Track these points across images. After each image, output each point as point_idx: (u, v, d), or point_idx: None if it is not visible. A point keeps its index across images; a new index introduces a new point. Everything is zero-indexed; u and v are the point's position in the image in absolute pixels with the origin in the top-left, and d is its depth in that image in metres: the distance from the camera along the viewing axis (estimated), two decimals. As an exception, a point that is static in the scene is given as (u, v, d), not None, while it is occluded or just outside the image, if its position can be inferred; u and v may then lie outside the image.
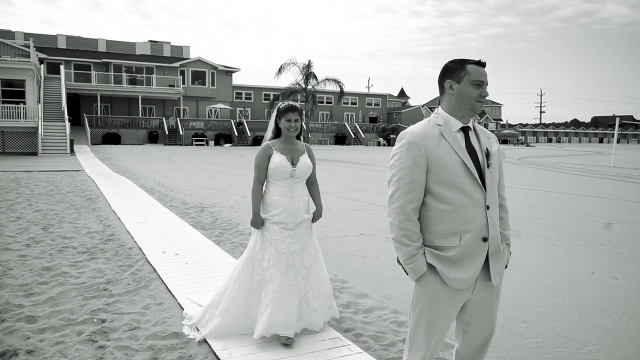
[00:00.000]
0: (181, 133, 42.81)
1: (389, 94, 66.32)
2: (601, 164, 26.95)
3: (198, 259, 5.77)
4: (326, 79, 29.17)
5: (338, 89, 31.34)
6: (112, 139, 39.53)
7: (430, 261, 2.22)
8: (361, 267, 5.78)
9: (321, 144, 48.82)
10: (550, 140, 74.20)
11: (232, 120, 47.41)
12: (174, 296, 4.50)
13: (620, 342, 3.83)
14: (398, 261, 2.30)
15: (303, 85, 29.34)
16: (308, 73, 28.72)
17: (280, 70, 28.77)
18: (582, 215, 9.90)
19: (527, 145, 56.33)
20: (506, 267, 2.37)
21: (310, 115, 31.69)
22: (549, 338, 3.87)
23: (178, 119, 44.27)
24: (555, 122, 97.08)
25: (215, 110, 49.15)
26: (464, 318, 2.36)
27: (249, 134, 46.15)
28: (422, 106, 64.36)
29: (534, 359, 3.53)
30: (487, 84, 2.25)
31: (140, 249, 6.19)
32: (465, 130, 2.29)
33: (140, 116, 43.96)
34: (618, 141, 33.33)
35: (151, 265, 5.49)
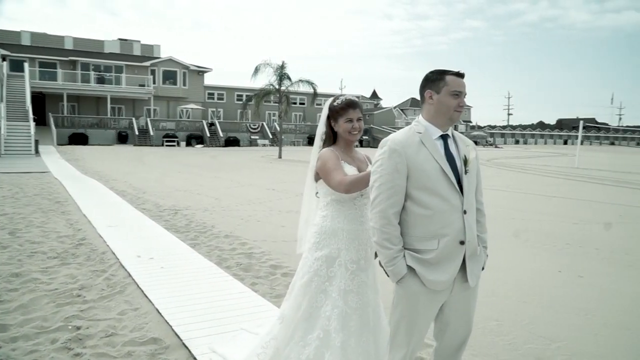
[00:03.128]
0: (152, 133, 42.18)
1: (362, 95, 66.75)
2: (566, 165, 27.74)
3: (174, 263, 5.73)
4: (300, 80, 29.16)
5: (312, 90, 31.36)
6: (80, 139, 38.63)
7: (410, 264, 2.30)
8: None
9: (294, 145, 48.82)
10: (517, 142, 75.83)
11: (204, 121, 46.96)
12: (150, 301, 4.47)
13: (586, 337, 3.99)
14: (380, 263, 2.37)
15: (277, 86, 29.26)
16: (282, 74, 28.67)
17: (256, 71, 28.62)
18: (548, 216, 10.20)
19: (496, 147, 57.48)
20: (483, 268, 2.46)
21: (284, 117, 31.61)
22: (520, 335, 4.00)
23: (148, 119, 43.60)
24: (522, 124, 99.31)
25: (187, 111, 48.63)
26: (442, 318, 2.43)
27: (222, 135, 45.78)
28: (394, 108, 65.04)
29: (507, 355, 3.65)
30: (466, 95, 2.34)
31: (114, 253, 6.11)
32: (444, 138, 2.38)
33: (109, 116, 43.15)
34: (581, 143, 34.19)
35: (125, 269, 5.43)
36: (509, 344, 3.85)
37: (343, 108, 2.82)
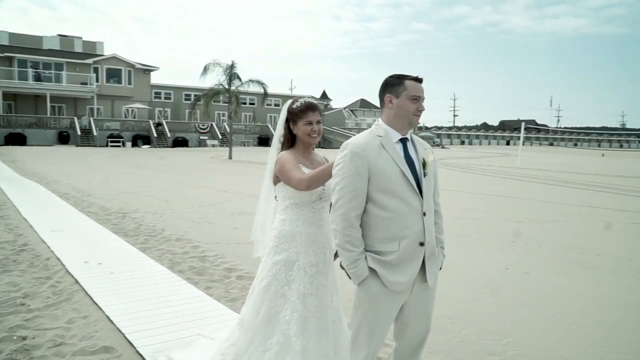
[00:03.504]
0: (95, 134, 40.74)
1: (312, 96, 66.78)
2: (509, 165, 28.86)
3: (124, 268, 5.55)
4: (250, 80, 28.92)
5: (262, 91, 31.19)
6: (17, 139, 36.81)
7: (372, 265, 2.32)
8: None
9: (244, 146, 48.39)
10: (463, 143, 78.25)
11: (150, 121, 45.81)
12: (100, 308, 4.30)
13: (534, 332, 4.16)
14: (341, 266, 2.39)
15: (226, 86, 28.88)
16: (231, 74, 28.34)
17: (205, 70, 28.14)
18: (494, 214, 10.58)
19: (442, 148, 59.05)
20: (440, 268, 2.52)
21: (234, 117, 31.25)
22: (472, 332, 4.12)
23: (91, 118, 42.10)
24: (467, 125, 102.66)
25: (133, 110, 47.27)
26: (402, 318, 2.47)
27: (169, 135, 44.78)
28: (344, 109, 65.64)
29: (460, 352, 3.75)
30: (424, 99, 2.39)
31: (59, 259, 5.84)
32: (403, 141, 2.42)
33: (48, 115, 41.36)
34: (523, 144, 35.76)
35: (72, 276, 5.20)
36: (461, 340, 3.96)
37: (302, 110, 2.79)
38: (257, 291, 2.85)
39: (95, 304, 4.44)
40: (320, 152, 3.03)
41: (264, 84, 29.75)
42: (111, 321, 4.02)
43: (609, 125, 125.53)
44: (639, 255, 6.94)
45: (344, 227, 2.31)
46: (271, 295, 2.77)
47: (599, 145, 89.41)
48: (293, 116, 2.83)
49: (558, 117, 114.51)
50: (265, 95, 30.72)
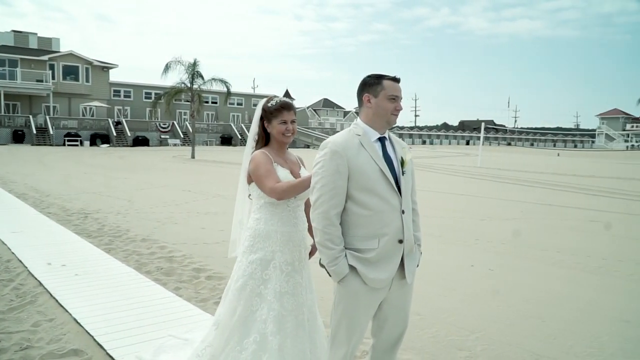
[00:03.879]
0: (51, 132, 39.49)
1: (275, 95, 66.72)
2: (470, 165, 29.55)
3: (89, 269, 5.40)
4: (213, 78, 28.58)
5: (224, 89, 30.87)
6: (-32, 138, 35.26)
7: (352, 263, 2.35)
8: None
9: (207, 145, 47.81)
10: (424, 142, 79.61)
11: (109, 119, 44.74)
12: (67, 311, 4.18)
13: (501, 327, 4.28)
14: (320, 264, 2.40)
15: (189, 85, 28.45)
16: (194, 72, 27.93)
17: (166, 68, 27.64)
18: (458, 213, 10.82)
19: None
20: (418, 265, 2.57)
21: (196, 116, 30.82)
22: (442, 328, 4.21)
23: (48, 117, 40.78)
24: (428, 125, 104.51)
25: (91, 109, 46.03)
26: (380, 315, 2.51)
27: (129, 134, 43.84)
28: (308, 108, 65.71)
29: (431, 348, 3.83)
30: (402, 99, 2.43)
31: (21, 261, 5.64)
32: (382, 140, 2.46)
33: (2, 113, 39.76)
34: (482, 144, 36.79)
35: (36, 278, 5.04)
36: (432, 336, 4.04)
37: (277, 110, 2.79)
38: (233, 291, 2.83)
39: (61, 306, 4.31)
40: (294, 152, 3.04)
41: (227, 82, 29.50)
42: (79, 324, 3.92)
43: (563, 126, 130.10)
44: (598, 253, 7.23)
45: (325, 225, 2.33)
46: (247, 295, 2.77)
47: (555, 145, 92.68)
48: (268, 115, 2.82)
49: (515, 117, 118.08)
50: (229, 94, 30.43)
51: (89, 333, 3.74)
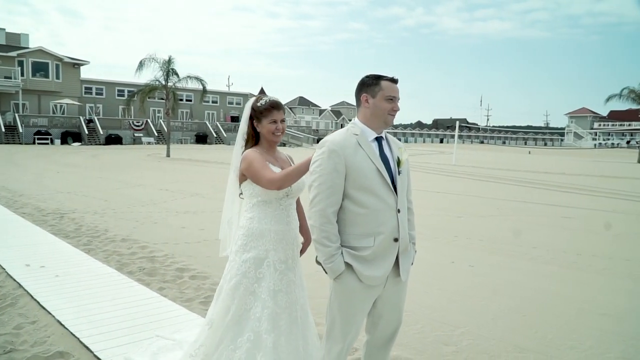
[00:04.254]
0: (21, 130, 38.50)
1: (250, 93, 66.39)
2: (445, 163, 29.93)
3: (69, 270, 5.30)
4: (188, 76, 28.24)
5: (199, 87, 30.58)
6: None
7: (348, 260, 2.38)
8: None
9: (181, 143, 47.27)
10: (399, 140, 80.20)
11: (81, 117, 43.83)
12: (49, 313, 4.10)
13: (485, 321, 4.37)
14: (317, 261, 2.42)
15: (163, 82, 28.05)
16: (169, 69, 27.56)
17: (140, 65, 27.17)
18: (436, 210, 10.96)
19: (380, 145, 60.09)
20: (412, 263, 2.61)
21: (171, 114, 30.43)
22: (427, 324, 4.28)
23: (17, 114, 39.68)
24: (402, 123, 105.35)
25: (62, 106, 44.99)
26: (375, 312, 2.54)
27: (102, 132, 43.05)
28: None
29: (418, 343, 3.89)
30: (399, 99, 2.47)
31: (-3, 263, 5.51)
32: (379, 140, 2.49)
33: (-32, 110, 38.52)
34: (456, 142, 37.42)
35: (15, 280, 4.92)
36: (418, 332, 4.10)
37: (267, 109, 2.79)
38: (226, 290, 2.84)
39: (43, 308, 4.23)
40: (284, 150, 3.05)
41: (202, 80, 29.19)
42: (63, 325, 3.85)
43: (533, 125, 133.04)
44: (573, 248, 7.43)
45: (322, 223, 2.35)
46: (241, 294, 2.77)
47: (526, 143, 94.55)
48: (257, 114, 2.82)
49: (487, 116, 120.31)
50: (205, 92, 30.13)
51: (74, 335, 3.68)
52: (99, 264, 5.67)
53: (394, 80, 2.46)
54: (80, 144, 41.01)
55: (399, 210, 2.43)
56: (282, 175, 2.67)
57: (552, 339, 4.07)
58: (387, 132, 2.62)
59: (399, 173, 2.48)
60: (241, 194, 2.97)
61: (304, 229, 2.99)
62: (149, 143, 45.12)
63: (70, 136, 41.38)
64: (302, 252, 2.99)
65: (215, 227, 8.35)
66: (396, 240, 2.42)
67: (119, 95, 49.63)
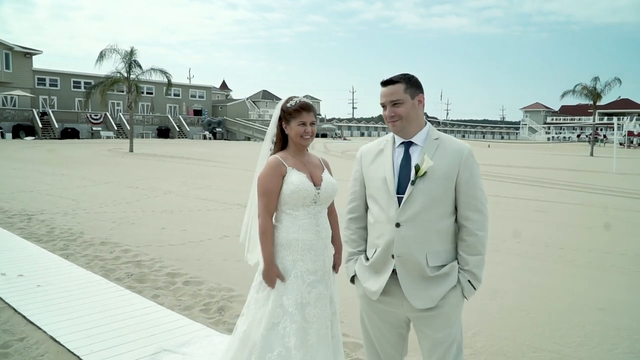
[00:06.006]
0: (-32, 124, 36.47)
1: (213, 86, 65.21)
2: (411, 156, 30.13)
3: (51, 279, 4.96)
4: (152, 68, 27.38)
5: (161, 79, 29.77)
6: None
7: (356, 268, 2.38)
8: (241, 272, 5.55)
9: (143, 138, 45.97)
10: (362, 134, 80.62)
11: (34, 110, 42.01)
12: (39, 328, 3.80)
13: (492, 321, 4.35)
14: None
15: (125, 75, 27.08)
16: (131, 61, 26.61)
17: (101, 56, 26.11)
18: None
19: (344, 139, 60.38)
20: (466, 297, 2.26)
21: (133, 107, 29.46)
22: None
23: (-36, 107, 37.59)
24: (365, 117, 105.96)
25: (12, 98, 42.92)
26: (418, 338, 2.36)
27: (57, 126, 41.41)
28: (247, 99, 64.71)
29: (432, 348, 3.80)
30: (393, 102, 2.23)
31: (-31, 272, 5.10)
32: (407, 145, 2.27)
33: None
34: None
35: (-7, 291, 4.56)
36: (429, 334, 4.02)
37: (297, 110, 2.63)
38: (254, 302, 2.68)
39: (31, 322, 3.92)
40: (318, 155, 2.89)
41: (167, 73, 28.35)
42: (58, 342, 3.57)
43: (490, 118, 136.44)
44: (554, 242, 7.54)
45: (343, 228, 2.48)
46: (270, 306, 2.60)
47: (484, 137, 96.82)
48: (286, 115, 2.67)
49: (447, 110, 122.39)
50: (169, 85, 29.27)
51: (72, 352, 3.42)
52: (82, 270, 5.35)
53: (381, 84, 2.27)
54: (33, 138, 39.30)
55: (398, 224, 2.18)
56: (265, 230, 2.64)
57: (561, 336, 4.08)
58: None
59: (413, 183, 2.17)
60: None
61: (335, 239, 2.82)
62: (108, 137, 43.67)
63: (22, 130, 39.59)
64: (335, 265, 2.82)
65: (196, 227, 8.10)
66: (393, 256, 2.21)
67: (75, 87, 47.83)
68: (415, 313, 2.24)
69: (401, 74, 2.26)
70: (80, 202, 9.99)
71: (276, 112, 2.73)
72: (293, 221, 2.64)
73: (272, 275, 2.60)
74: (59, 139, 40.38)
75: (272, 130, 2.76)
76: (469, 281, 2.22)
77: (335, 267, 2.81)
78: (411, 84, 2.24)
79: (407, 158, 2.24)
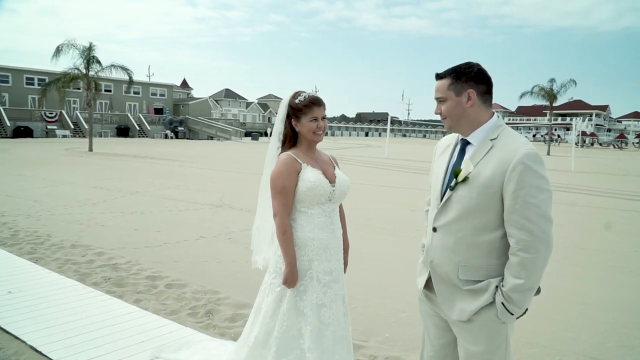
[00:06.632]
0: None
1: (174, 84, 63.91)
2: (377, 156, 30.43)
3: (23, 285, 4.65)
4: (112, 65, 26.50)
5: (120, 77, 28.90)
6: None
7: (418, 266, 2.28)
8: (224, 274, 5.40)
9: (102, 136, 44.58)
10: (325, 134, 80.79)
11: (-16, 108, 40.07)
12: (17, 337, 3.53)
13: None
14: None
15: (84, 71, 26.12)
16: (89, 57, 25.68)
17: (57, 52, 25.06)
18: (387, 204, 11.01)
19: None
20: (502, 320, 2.00)
21: (92, 105, 28.48)
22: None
23: None
24: (328, 117, 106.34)
25: (-40, 95, 40.89)
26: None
27: (9, 124, 39.74)
28: (209, 98, 63.73)
29: (431, 347, 3.75)
30: (441, 99, 2.12)
31: None
32: (465, 143, 2.12)
33: None
34: (379, 135, 38.09)
35: (-40, 299, 4.24)
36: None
37: (307, 105, 2.53)
38: (266, 305, 2.55)
39: (6, 332, 3.64)
40: (327, 152, 2.79)
41: (129, 70, 27.52)
42: (40, 353, 3.32)
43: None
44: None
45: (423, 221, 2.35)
46: (283, 309, 2.49)
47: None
48: (296, 112, 2.56)
49: (408, 110, 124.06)
50: (131, 82, 28.40)
51: (57, 363, 3.18)
52: (55, 275, 5.05)
53: (436, 77, 2.12)
54: (-16, 137, 37.54)
55: (435, 229, 2.09)
56: (285, 230, 2.49)
57: (553, 331, 4.12)
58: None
59: (451, 188, 2.03)
60: None
61: (343, 238, 2.72)
62: (64, 136, 42.15)
63: (-28, 129, 37.78)
64: (344, 265, 2.73)
65: (170, 229, 7.84)
66: (430, 262, 2.12)
67: (28, 83, 45.96)
68: (454, 324, 2.11)
69: (455, 67, 2.05)
70: (43, 204, 9.52)
71: (282, 110, 2.61)
72: (308, 220, 2.54)
73: (296, 276, 2.47)
74: (11, 137, 38.71)
75: (279, 128, 2.64)
76: (502, 304, 1.95)
77: (344, 267, 2.72)
78: (459, 79, 2.02)
79: (461, 158, 2.08)
